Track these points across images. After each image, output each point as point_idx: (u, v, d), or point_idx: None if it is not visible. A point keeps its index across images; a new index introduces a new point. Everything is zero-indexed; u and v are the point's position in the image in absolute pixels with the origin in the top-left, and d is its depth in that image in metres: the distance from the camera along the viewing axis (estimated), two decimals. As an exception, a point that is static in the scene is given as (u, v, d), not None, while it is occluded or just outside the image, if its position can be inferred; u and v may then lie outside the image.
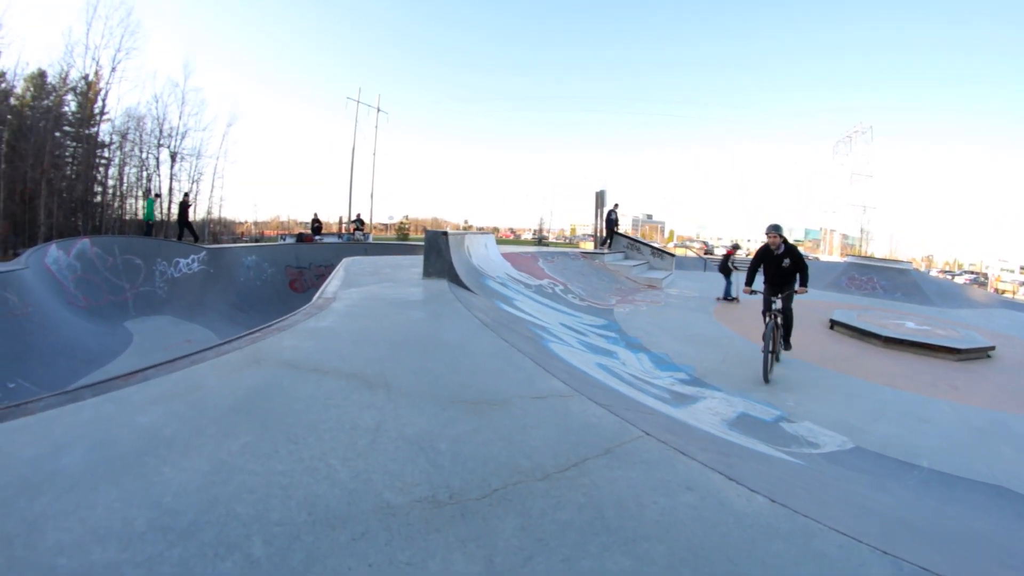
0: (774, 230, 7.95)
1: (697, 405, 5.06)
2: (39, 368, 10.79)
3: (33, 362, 10.91)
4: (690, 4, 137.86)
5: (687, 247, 60.53)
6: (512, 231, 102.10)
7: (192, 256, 18.40)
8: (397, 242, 24.42)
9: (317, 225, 26.57)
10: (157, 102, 40.51)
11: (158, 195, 21.62)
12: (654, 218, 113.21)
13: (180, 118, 40.07)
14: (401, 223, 55.07)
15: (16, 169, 32.09)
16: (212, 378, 2.99)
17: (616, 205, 23.00)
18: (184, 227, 21.50)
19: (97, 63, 35.98)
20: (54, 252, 15.93)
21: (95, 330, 14.07)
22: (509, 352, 3.40)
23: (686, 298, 14.30)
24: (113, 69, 36.61)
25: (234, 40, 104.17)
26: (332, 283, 6.55)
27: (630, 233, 35.91)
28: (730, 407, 5.46)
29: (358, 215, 30.32)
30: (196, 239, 21.75)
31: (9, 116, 33.09)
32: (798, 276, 8.00)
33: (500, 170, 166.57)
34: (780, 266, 7.98)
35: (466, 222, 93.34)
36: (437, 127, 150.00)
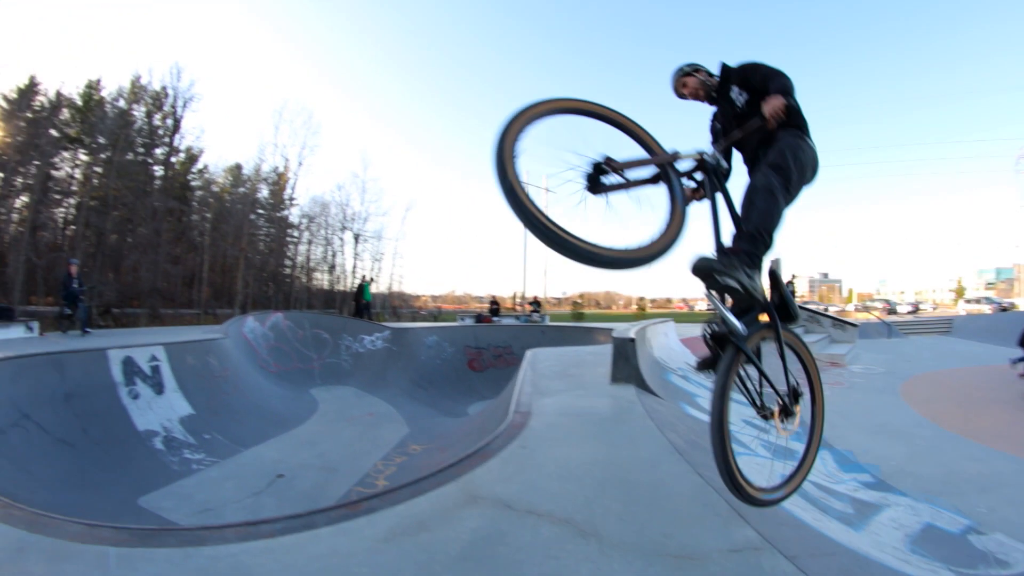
0: (689, 70, 3.60)
1: (881, 517, 4.72)
2: (232, 424, 11.91)
3: (227, 418, 12.04)
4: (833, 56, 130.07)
5: (868, 309, 56.29)
6: (685, 302, 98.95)
7: (376, 334, 19.88)
8: (573, 324, 24.29)
9: (495, 307, 27.61)
10: (340, 190, 46.38)
11: (373, 279, 24.18)
12: (830, 276, 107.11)
13: (361, 204, 45.38)
14: (575, 301, 55.22)
15: (218, 246, 37.01)
16: (435, 516, 3.22)
17: (793, 276, 22.40)
18: (359, 305, 23.52)
19: (285, 158, 41.53)
20: (251, 323, 18.04)
21: (283, 394, 15.45)
22: (704, 491, 3.41)
23: (871, 376, 13.26)
24: (300, 163, 42.16)
25: (410, 125, 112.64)
26: (524, 387, 6.58)
27: (807, 298, 34.38)
28: (915, 517, 4.96)
29: (534, 297, 31.62)
30: (361, 317, 23.71)
31: (212, 200, 38.75)
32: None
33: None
34: (749, 138, 3.25)
35: (641, 299, 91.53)
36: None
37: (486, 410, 11.24)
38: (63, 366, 9.58)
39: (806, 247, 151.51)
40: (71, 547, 3.03)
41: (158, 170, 37.26)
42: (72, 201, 34.63)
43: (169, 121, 36.90)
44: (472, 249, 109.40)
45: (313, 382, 17.54)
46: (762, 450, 6.02)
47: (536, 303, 29.44)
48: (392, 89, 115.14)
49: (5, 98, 31.25)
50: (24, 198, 31.35)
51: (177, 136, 37.28)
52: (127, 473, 8.64)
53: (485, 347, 19.75)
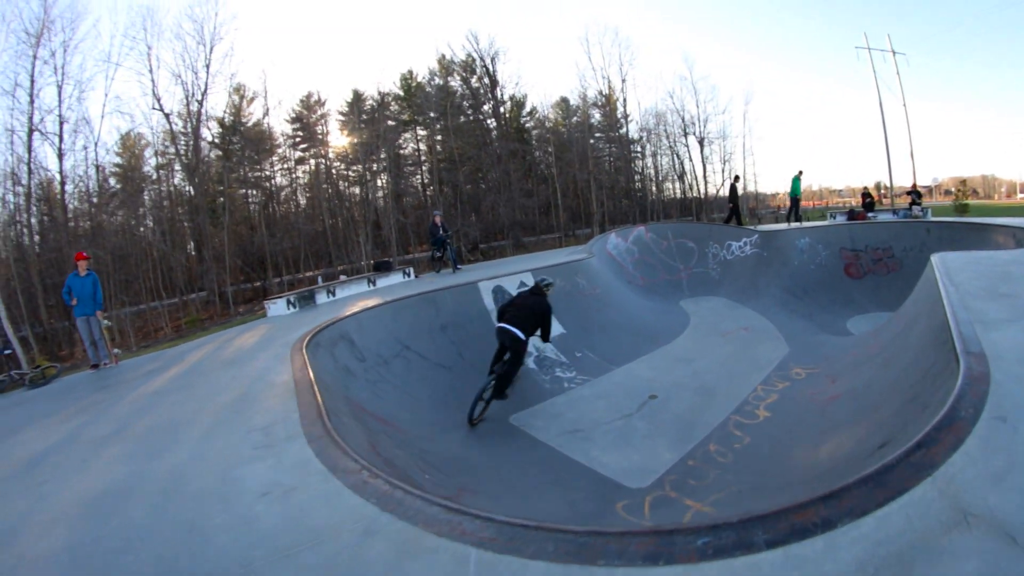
0: None
1: None
2: (603, 341, 11.80)
3: (598, 336, 11.98)
4: None
5: None
6: None
7: (744, 239, 18.10)
8: (959, 219, 18.35)
9: (869, 200, 23.12)
10: (672, 97, 45.39)
11: (801, 172, 21.43)
12: None
13: (697, 107, 42.97)
14: (949, 190, 42.86)
15: (566, 173, 39.40)
16: (916, 543, 2.00)
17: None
18: (732, 210, 21.31)
19: (607, 79, 41.67)
20: (613, 240, 18.10)
21: (653, 307, 15.10)
22: None
23: None
24: (623, 80, 41.71)
25: (734, 20, 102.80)
26: (957, 313, 4.54)
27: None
28: None
29: (913, 185, 25.31)
30: (739, 223, 21.33)
31: (549, 136, 42.05)
32: None
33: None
34: None
35: None
36: (972, 67, 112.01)
37: (882, 332, 9.07)
38: (437, 302, 10.53)
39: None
40: (424, 539, 2.56)
41: (491, 123, 41.93)
42: (425, 168, 42.01)
43: (486, 80, 40.61)
44: (823, 138, 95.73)
45: (681, 293, 16.88)
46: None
47: (916, 193, 23.71)
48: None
49: (340, 113, 39.78)
50: (384, 176, 38.54)
51: (497, 90, 40.78)
52: (500, 391, 9.09)
53: (862, 249, 16.45)
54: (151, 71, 29.41)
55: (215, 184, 33.66)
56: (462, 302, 10.95)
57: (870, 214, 21.10)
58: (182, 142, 30.86)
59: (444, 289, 11.13)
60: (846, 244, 16.60)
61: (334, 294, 13.78)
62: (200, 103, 30.79)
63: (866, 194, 23.03)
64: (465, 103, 41.22)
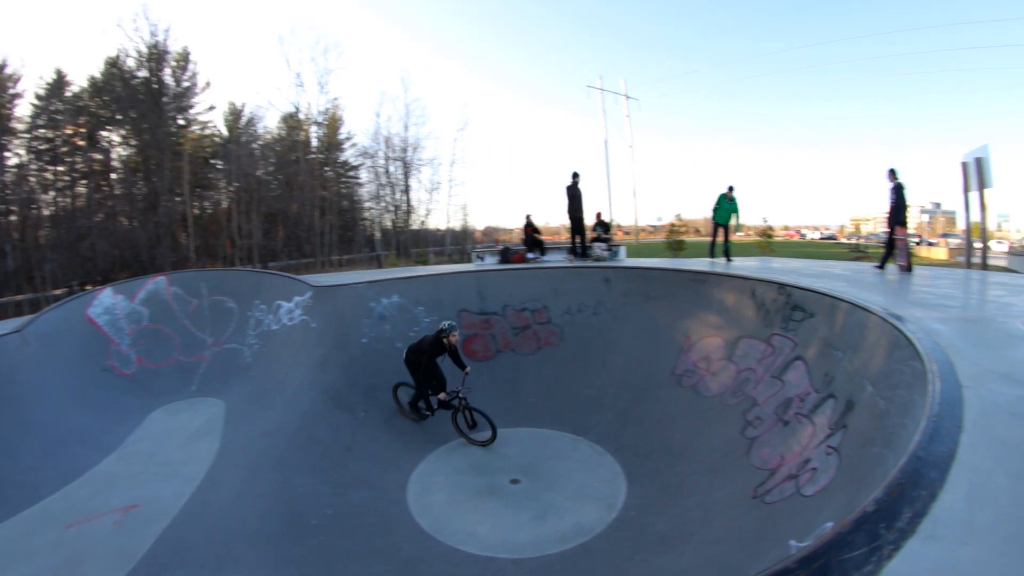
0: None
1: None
2: None
3: None
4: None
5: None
6: (796, 230, 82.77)
7: (296, 299, 11.72)
8: (662, 267, 11.74)
9: (532, 232, 15.60)
10: (380, 118, 48.31)
11: (731, 187, 13.90)
12: (943, 207, 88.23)
13: (406, 130, 43.38)
14: (673, 225, 39.59)
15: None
16: None
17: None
18: (574, 226, 14.81)
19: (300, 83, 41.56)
20: (107, 298, 11.57)
21: (72, 427, 8.82)
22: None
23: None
24: (321, 87, 42.01)
25: (458, 40, 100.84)
26: None
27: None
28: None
29: (598, 216, 16.96)
30: (582, 248, 14.72)
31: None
32: None
33: (789, 156, 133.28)
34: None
35: (767, 225, 66.33)
36: (702, 114, 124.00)
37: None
38: None
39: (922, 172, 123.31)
40: None
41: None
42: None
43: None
44: (544, 175, 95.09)
45: (185, 388, 10.68)
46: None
47: (602, 225, 16.38)
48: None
49: (37, 96, 34.08)
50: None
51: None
52: None
53: (499, 311, 11.17)
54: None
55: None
56: None
57: (531, 255, 15.08)
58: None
59: None
60: (471, 304, 11.32)
61: None
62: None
63: (528, 224, 15.90)
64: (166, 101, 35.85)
